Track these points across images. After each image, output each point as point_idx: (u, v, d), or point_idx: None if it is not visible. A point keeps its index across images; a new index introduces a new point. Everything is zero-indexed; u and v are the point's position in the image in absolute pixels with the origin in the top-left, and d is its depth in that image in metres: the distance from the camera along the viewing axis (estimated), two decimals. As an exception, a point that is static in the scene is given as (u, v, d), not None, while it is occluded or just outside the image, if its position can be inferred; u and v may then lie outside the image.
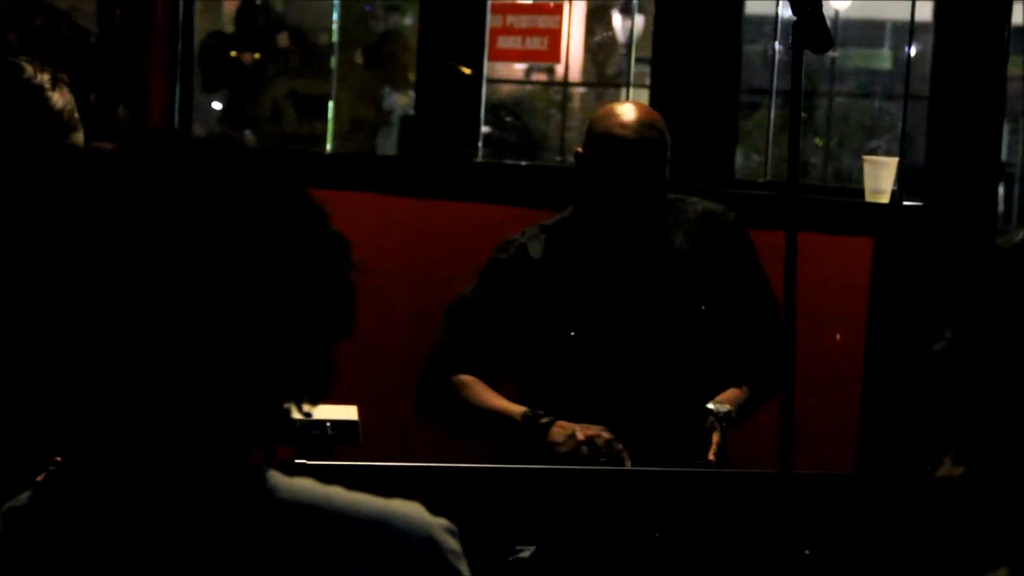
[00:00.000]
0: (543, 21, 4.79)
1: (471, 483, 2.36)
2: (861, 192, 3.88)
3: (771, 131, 4.42)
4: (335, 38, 5.24)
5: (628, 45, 4.96)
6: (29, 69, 2.27)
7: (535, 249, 3.03)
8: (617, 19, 6.04)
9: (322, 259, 1.18)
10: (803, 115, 2.46)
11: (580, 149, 2.98)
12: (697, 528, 2.39)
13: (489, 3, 4.62)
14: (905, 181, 3.89)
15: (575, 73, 5.56)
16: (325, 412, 2.72)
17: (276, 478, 1.17)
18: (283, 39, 5.90)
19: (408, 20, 6.06)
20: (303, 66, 5.84)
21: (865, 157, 3.96)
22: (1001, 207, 6.49)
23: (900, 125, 4.28)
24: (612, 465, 2.71)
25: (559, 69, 5.21)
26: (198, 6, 5.04)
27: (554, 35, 4.79)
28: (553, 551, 2.52)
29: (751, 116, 5.04)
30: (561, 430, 2.76)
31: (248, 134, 5.61)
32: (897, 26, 7.37)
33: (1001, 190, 6.24)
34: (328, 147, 5.24)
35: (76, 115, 2.29)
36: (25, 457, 1.80)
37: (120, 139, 1.43)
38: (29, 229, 1.15)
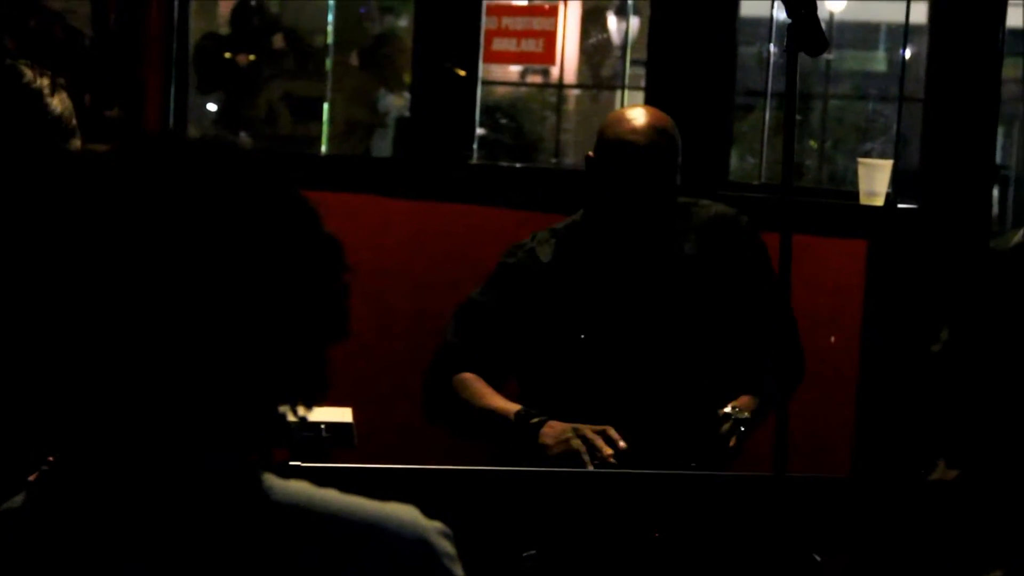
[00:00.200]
0: (538, 23, 4.80)
1: (467, 486, 2.36)
2: (856, 194, 3.88)
3: (766, 133, 4.42)
4: (330, 40, 5.24)
5: (623, 47, 4.97)
6: (28, 73, 2.27)
7: (545, 253, 3.02)
8: (612, 21, 6.05)
9: (316, 262, 1.18)
10: (798, 117, 2.47)
11: (591, 153, 2.97)
12: (694, 531, 2.39)
13: (484, 5, 4.62)
14: (900, 183, 3.90)
15: (570, 75, 5.57)
16: (320, 414, 2.72)
17: (271, 480, 1.17)
18: (278, 41, 5.89)
19: (403, 22, 6.06)
20: (298, 68, 5.83)
21: (860, 159, 3.97)
22: (996, 210, 6.51)
23: (895, 127, 4.28)
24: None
25: (554, 71, 5.21)
26: (193, 8, 5.04)
27: (549, 37, 4.79)
28: (552, 554, 2.51)
29: (746, 118, 5.04)
30: (551, 430, 2.76)
31: (243, 136, 5.61)
32: (892, 28, 7.38)
33: (996, 193, 6.26)
34: (323, 149, 5.23)
35: (75, 120, 2.29)
36: (21, 458, 1.80)
37: (114, 141, 1.43)
38: (26, 232, 1.15)
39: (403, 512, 1.19)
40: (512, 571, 2.40)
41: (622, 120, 2.93)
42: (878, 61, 8.20)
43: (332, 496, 1.18)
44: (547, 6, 4.93)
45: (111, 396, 1.13)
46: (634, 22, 5.00)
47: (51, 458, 1.18)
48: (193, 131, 5.09)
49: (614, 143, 2.90)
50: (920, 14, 4.22)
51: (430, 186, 4.48)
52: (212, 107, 5.82)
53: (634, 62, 4.76)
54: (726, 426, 2.84)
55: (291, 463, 2.27)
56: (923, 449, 2.73)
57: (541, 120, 6.05)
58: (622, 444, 2.69)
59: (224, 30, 5.84)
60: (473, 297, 3.04)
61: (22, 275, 1.14)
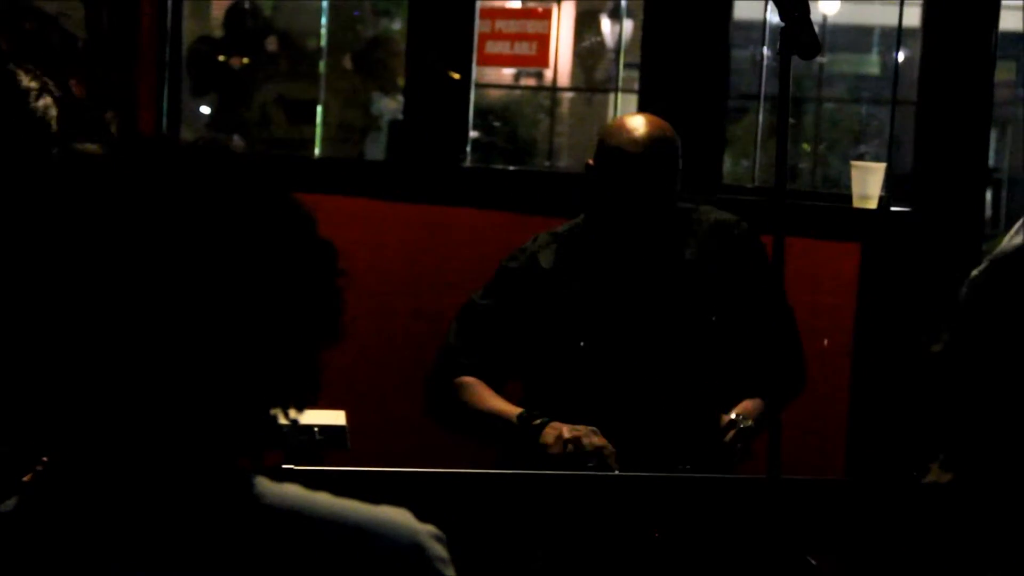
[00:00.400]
0: (532, 26, 4.80)
1: (460, 489, 2.36)
2: (849, 197, 3.88)
3: (759, 136, 4.43)
4: (324, 43, 5.24)
5: (616, 50, 4.97)
6: (21, 75, 2.27)
7: (546, 259, 3.02)
8: (606, 24, 6.05)
9: (309, 265, 1.18)
10: (791, 120, 2.47)
11: (591, 161, 2.97)
12: (689, 533, 2.39)
13: (478, 8, 4.63)
14: (893, 186, 3.90)
15: (563, 78, 5.57)
16: (313, 417, 2.71)
17: (263, 484, 1.17)
18: (272, 44, 5.89)
19: (397, 25, 6.06)
20: (292, 71, 5.83)
21: (853, 162, 3.97)
22: (988, 212, 6.52)
23: (888, 130, 4.28)
24: (599, 467, 2.71)
25: (548, 74, 5.21)
26: (186, 11, 5.04)
27: (543, 40, 4.79)
28: (548, 556, 2.51)
29: (739, 121, 5.04)
30: (552, 431, 2.77)
31: (236, 139, 5.60)
32: (885, 31, 7.39)
33: (988, 195, 6.26)
34: (316, 152, 5.24)
35: (56, 125, 2.28)
36: (14, 461, 1.79)
37: (106, 142, 1.43)
38: (17, 234, 1.15)
39: (396, 515, 1.19)
40: (510, 574, 2.39)
41: (622, 129, 2.92)
42: (871, 64, 8.20)
43: (324, 499, 1.18)
44: (540, 9, 4.93)
45: (103, 399, 1.12)
46: (627, 25, 5.00)
47: (44, 460, 1.18)
48: (186, 134, 5.08)
49: (614, 152, 2.89)
50: (913, 17, 4.23)
51: (423, 189, 4.48)
52: (205, 110, 5.82)
53: (627, 65, 4.76)
54: (731, 434, 2.85)
55: (284, 466, 2.27)
56: (917, 451, 2.73)
57: (534, 123, 6.06)
58: (608, 449, 2.72)
59: (217, 33, 5.84)
60: (474, 300, 3.04)
61: (13, 277, 1.14)
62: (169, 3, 4.86)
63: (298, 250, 1.17)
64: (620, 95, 4.71)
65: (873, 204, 3.84)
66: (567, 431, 2.74)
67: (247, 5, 5.88)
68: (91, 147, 1.72)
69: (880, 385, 3.78)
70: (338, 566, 1.14)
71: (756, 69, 4.63)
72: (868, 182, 3.84)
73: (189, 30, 5.19)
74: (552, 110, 5.52)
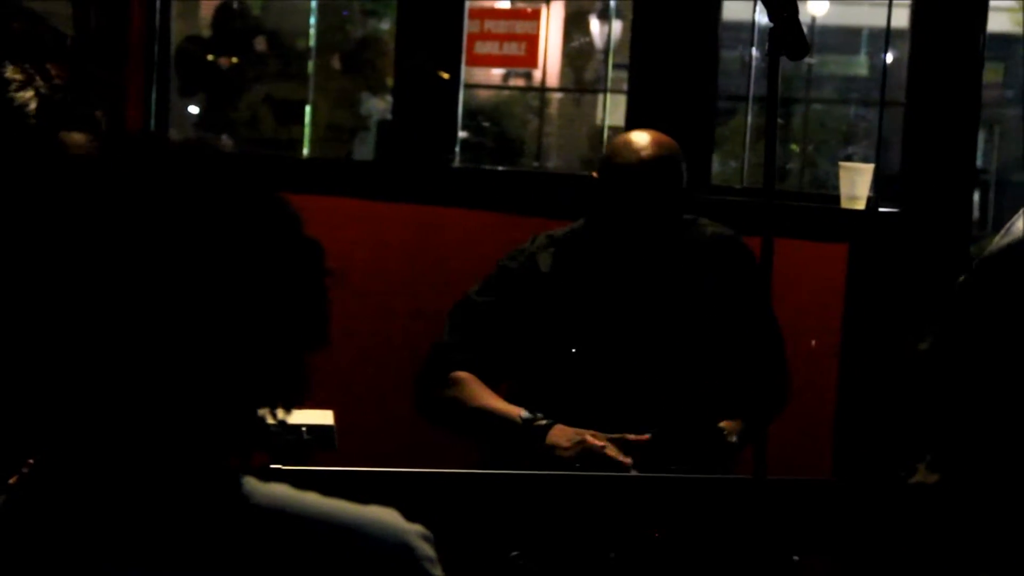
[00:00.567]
0: (521, 26, 4.80)
1: (449, 489, 2.36)
2: (837, 198, 3.89)
3: (748, 137, 4.43)
4: (312, 43, 5.23)
5: (606, 51, 4.97)
6: (8, 69, 2.26)
7: (544, 262, 3.02)
8: (595, 25, 6.05)
9: (295, 265, 1.18)
10: (779, 121, 2.47)
11: (595, 174, 2.98)
12: (676, 533, 2.40)
13: (467, 8, 4.62)
14: (881, 187, 3.91)
15: (553, 78, 5.57)
16: (301, 417, 2.71)
17: (251, 484, 1.17)
18: (260, 43, 5.88)
19: (386, 25, 6.06)
20: (280, 71, 5.83)
21: (841, 163, 3.98)
22: (976, 213, 6.53)
23: (876, 131, 4.29)
24: (586, 466, 2.71)
25: (537, 74, 5.21)
26: (175, 10, 5.03)
27: (532, 40, 4.79)
28: (537, 555, 2.52)
29: (728, 122, 5.05)
30: (562, 432, 2.77)
31: (225, 138, 5.60)
32: (874, 33, 7.40)
33: (976, 196, 6.28)
34: (305, 152, 5.23)
35: (34, 120, 2.27)
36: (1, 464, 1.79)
37: (91, 134, 1.42)
38: (3, 233, 1.15)
39: (384, 515, 1.19)
40: (497, 574, 2.39)
41: (628, 146, 2.92)
42: (860, 65, 8.22)
43: (313, 499, 1.18)
44: (529, 9, 4.93)
45: (90, 399, 1.12)
46: (616, 26, 5.00)
47: (30, 461, 1.18)
48: (174, 134, 5.08)
49: (617, 169, 2.90)
50: (902, 18, 4.23)
51: (412, 189, 4.48)
52: (194, 109, 5.81)
53: (616, 66, 4.76)
54: (718, 439, 2.85)
55: (272, 466, 2.27)
56: (904, 452, 2.73)
57: (524, 123, 6.06)
58: (628, 460, 2.73)
59: (206, 33, 5.83)
60: (471, 296, 3.03)
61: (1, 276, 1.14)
62: (158, 3, 4.85)
63: (284, 249, 1.17)
64: (609, 96, 4.71)
65: (861, 205, 3.85)
66: (588, 436, 2.76)
67: (236, 5, 5.88)
68: (77, 136, 1.71)
69: (867, 385, 3.78)
70: (326, 566, 1.15)
71: (745, 70, 4.64)
72: (856, 183, 3.85)
73: (177, 30, 5.18)
74: (541, 110, 5.52)
